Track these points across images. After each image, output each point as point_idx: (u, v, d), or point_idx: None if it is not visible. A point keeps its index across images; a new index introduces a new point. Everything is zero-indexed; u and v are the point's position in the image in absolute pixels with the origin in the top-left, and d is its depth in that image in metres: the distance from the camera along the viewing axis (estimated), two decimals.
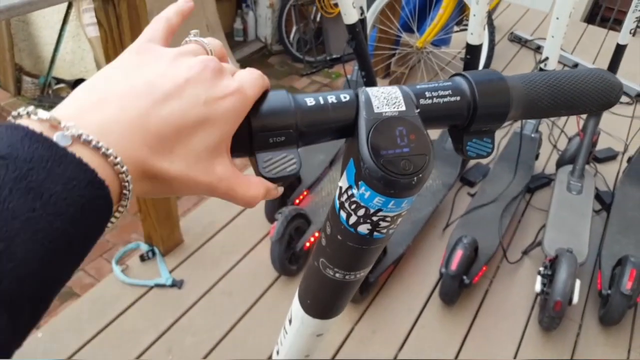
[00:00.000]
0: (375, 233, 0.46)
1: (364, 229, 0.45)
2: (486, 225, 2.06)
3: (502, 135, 2.67)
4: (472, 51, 2.09)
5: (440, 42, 3.20)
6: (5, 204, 0.25)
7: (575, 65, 3.57)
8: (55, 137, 0.28)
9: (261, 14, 4.14)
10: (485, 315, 1.93)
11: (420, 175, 0.41)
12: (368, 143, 0.41)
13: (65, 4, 2.66)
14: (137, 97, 0.32)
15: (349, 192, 0.44)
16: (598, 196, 2.42)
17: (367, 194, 0.42)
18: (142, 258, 1.97)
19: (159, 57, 0.36)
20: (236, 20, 4.13)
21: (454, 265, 1.81)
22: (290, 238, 1.90)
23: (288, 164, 0.41)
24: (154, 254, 1.98)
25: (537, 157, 2.47)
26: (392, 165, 0.40)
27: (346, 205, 0.45)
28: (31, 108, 0.29)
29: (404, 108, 0.43)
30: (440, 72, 3.06)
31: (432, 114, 0.46)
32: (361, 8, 2.31)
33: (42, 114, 0.29)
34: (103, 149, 0.29)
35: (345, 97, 0.43)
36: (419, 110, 0.44)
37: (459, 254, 1.83)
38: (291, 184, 2.19)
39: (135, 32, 1.37)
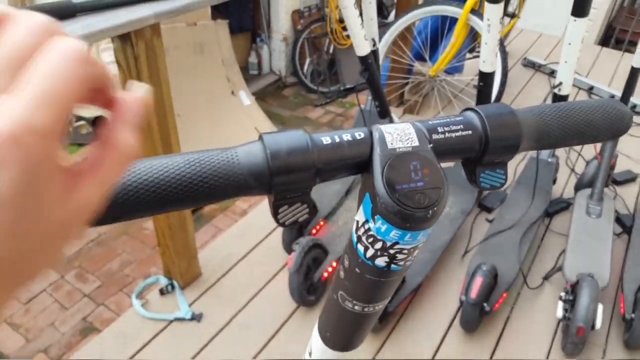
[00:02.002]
0: (392, 265, 0.46)
1: (381, 261, 0.46)
2: (505, 252, 2.04)
3: (519, 161, 2.66)
4: (485, 78, 2.11)
5: (453, 69, 3.23)
6: None
7: (591, 88, 3.56)
8: None
9: (275, 47, 4.21)
10: (508, 342, 1.90)
11: (435, 208, 0.42)
12: (383, 178, 0.42)
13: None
14: None
15: (366, 226, 0.45)
16: (618, 219, 2.39)
17: (384, 227, 0.43)
18: (162, 292, 1.99)
19: None
20: (251, 54, 4.21)
21: (474, 293, 1.79)
22: (307, 269, 1.91)
23: (301, 214, 0.44)
24: (173, 287, 1.99)
25: (554, 181, 2.45)
26: (407, 199, 0.42)
27: (363, 238, 0.46)
28: None
29: (417, 143, 0.44)
30: (454, 99, 3.07)
31: (444, 148, 0.47)
32: (373, 40, 2.35)
33: None
34: None
35: (360, 134, 0.45)
36: (431, 145, 0.46)
37: (478, 281, 1.81)
38: None
39: (153, 71, 1.41)
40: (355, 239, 0.47)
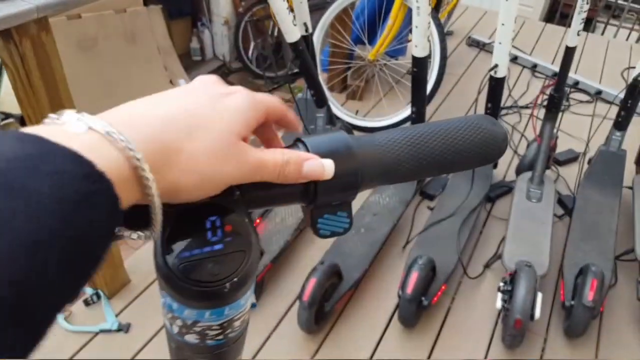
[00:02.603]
0: (208, 341, 0.37)
1: (191, 338, 0.37)
2: (444, 242, 1.99)
3: None
4: (419, 64, 2.04)
5: (396, 52, 3.15)
6: None
7: (535, 66, 3.54)
8: (49, 130, 0.27)
9: (217, 31, 4.07)
10: (448, 335, 1.86)
11: (236, 279, 0.33)
12: (164, 242, 0.33)
13: None
14: (154, 99, 0.36)
15: (162, 299, 0.36)
16: (560, 201, 2.38)
17: (175, 305, 0.34)
18: (87, 302, 1.86)
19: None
20: (192, 40, 4.06)
21: (409, 289, 1.74)
22: None
23: None
24: (98, 297, 1.87)
25: (495, 165, 2.41)
26: (195, 272, 0.32)
27: (165, 312, 0.37)
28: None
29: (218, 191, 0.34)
30: (396, 85, 2.99)
31: (259, 195, 0.37)
32: (305, 24, 2.25)
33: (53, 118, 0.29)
34: (105, 131, 0.28)
35: None
36: (239, 192, 0.36)
37: (414, 275, 1.76)
38: None
39: (45, 71, 1.28)
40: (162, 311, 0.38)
